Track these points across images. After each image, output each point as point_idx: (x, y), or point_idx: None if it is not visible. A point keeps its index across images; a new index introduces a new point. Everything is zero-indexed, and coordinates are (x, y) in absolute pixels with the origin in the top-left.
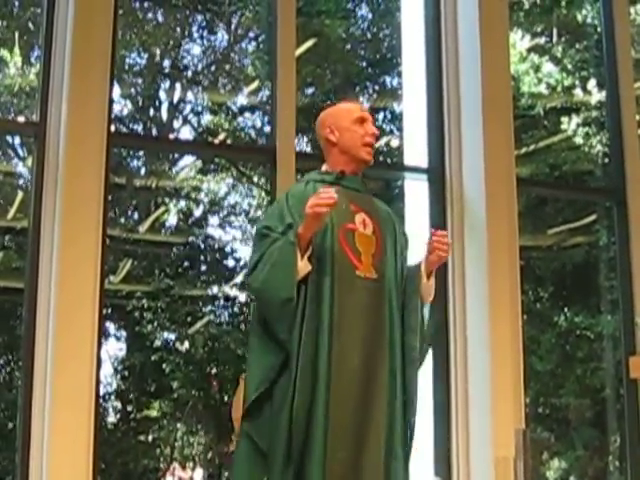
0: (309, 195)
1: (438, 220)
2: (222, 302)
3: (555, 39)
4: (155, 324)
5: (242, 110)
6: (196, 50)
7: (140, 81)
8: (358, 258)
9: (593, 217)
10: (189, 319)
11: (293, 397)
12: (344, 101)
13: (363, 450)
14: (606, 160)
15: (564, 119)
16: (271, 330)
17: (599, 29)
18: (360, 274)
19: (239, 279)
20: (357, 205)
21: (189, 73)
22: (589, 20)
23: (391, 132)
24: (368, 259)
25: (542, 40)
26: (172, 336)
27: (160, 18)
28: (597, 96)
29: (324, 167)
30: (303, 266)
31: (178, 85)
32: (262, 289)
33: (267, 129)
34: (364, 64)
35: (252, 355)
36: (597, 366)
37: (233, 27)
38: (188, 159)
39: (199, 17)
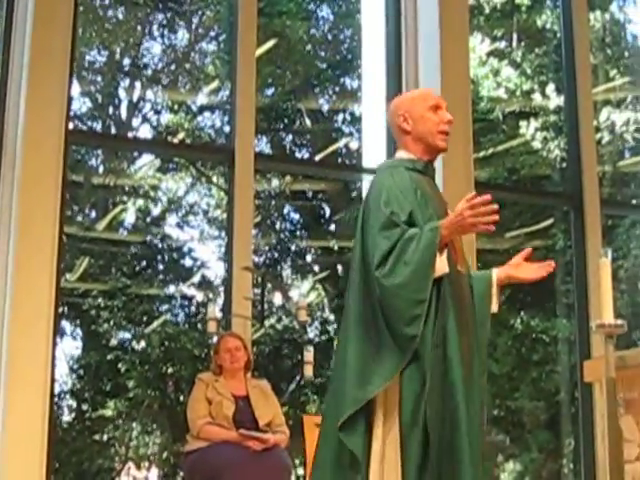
0: (411, 183)
1: None
2: (179, 301)
3: (515, 44)
4: (111, 323)
5: (202, 109)
6: (156, 49)
7: (100, 79)
8: (455, 252)
9: (550, 221)
10: (145, 318)
11: (423, 402)
12: (305, 100)
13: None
14: (564, 165)
15: (522, 123)
16: (395, 328)
17: (559, 34)
18: (459, 268)
19: (196, 279)
20: (440, 196)
21: (149, 71)
22: (549, 25)
23: (350, 134)
24: (460, 253)
25: (502, 44)
26: (128, 335)
27: (120, 16)
28: (555, 101)
29: (404, 154)
30: (442, 267)
31: (138, 83)
32: (397, 287)
33: (226, 129)
34: (324, 65)
35: (357, 346)
36: (552, 369)
37: (194, 26)
38: (147, 158)
39: (160, 16)
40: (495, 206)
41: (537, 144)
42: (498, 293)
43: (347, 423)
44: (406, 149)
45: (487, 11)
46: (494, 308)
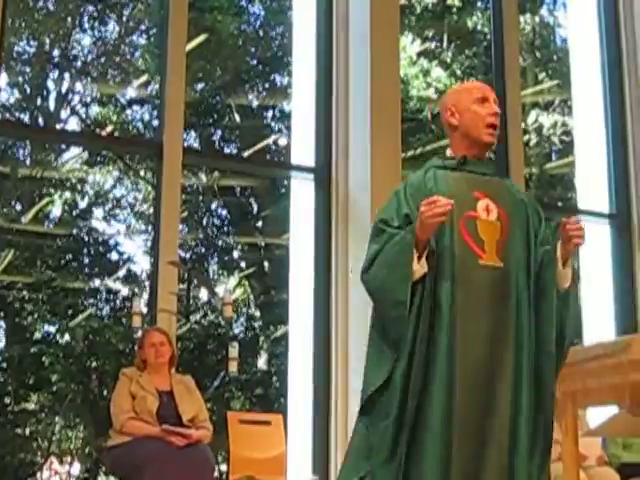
0: (428, 183)
1: (323, 218)
2: (104, 295)
3: (445, 44)
4: (35, 316)
5: (131, 103)
6: (86, 41)
7: (28, 70)
8: (481, 247)
9: None
10: (70, 312)
11: (405, 397)
12: (235, 96)
13: (485, 450)
14: None
15: None
16: (385, 329)
17: (489, 36)
18: (484, 263)
19: (122, 273)
20: (481, 191)
21: (78, 63)
22: (479, 27)
23: (279, 131)
24: (492, 247)
25: (432, 45)
26: (52, 329)
27: (51, 7)
28: None
29: (448, 152)
30: (419, 268)
31: (67, 75)
32: (377, 290)
33: (155, 123)
34: (255, 61)
35: (369, 350)
36: None
37: (124, 19)
38: (74, 150)
39: (90, 7)
40: (447, 202)
41: None
42: (564, 268)
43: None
44: (451, 146)
45: (418, 11)
46: (563, 284)
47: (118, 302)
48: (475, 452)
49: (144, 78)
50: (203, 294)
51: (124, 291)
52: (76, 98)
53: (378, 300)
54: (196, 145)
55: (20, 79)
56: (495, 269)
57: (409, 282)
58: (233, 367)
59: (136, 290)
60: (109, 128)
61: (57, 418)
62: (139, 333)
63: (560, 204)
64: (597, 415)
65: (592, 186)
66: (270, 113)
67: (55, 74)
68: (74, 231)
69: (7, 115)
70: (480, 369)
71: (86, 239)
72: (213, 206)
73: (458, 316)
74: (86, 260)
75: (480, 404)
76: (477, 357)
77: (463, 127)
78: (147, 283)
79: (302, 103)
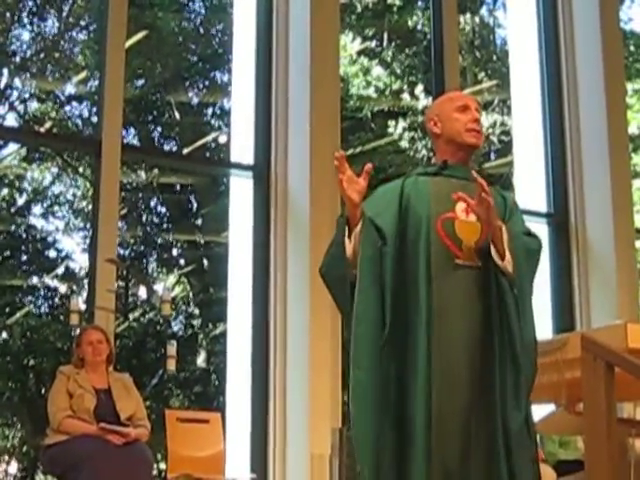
0: (405, 188)
1: (262, 217)
2: (42, 293)
3: (385, 43)
4: None
5: (70, 99)
6: (25, 36)
7: None
8: (458, 246)
9: None
10: (8, 309)
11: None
12: (174, 93)
13: (469, 450)
14: None
15: (391, 122)
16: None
17: (429, 36)
18: (461, 262)
19: (60, 270)
20: (461, 193)
21: (17, 59)
22: (419, 26)
23: (219, 128)
24: (471, 247)
25: (373, 44)
26: None
27: None
28: (424, 101)
29: (433, 160)
30: (349, 247)
31: (5, 70)
32: (322, 270)
33: (94, 119)
34: (195, 59)
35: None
36: None
37: (64, 15)
38: (12, 147)
39: (30, 2)
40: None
41: (405, 144)
42: (494, 244)
43: None
44: (436, 153)
45: (359, 10)
46: (501, 263)
47: (56, 300)
48: (459, 452)
49: (83, 74)
50: (142, 292)
51: (62, 289)
52: (14, 94)
53: (324, 280)
54: (135, 142)
55: None
56: (472, 268)
57: (343, 259)
58: (171, 365)
59: (74, 288)
60: (48, 124)
61: None
62: (77, 331)
63: None
64: (534, 413)
65: (530, 185)
66: (210, 110)
67: None
68: (12, 228)
69: None
70: (460, 368)
71: (24, 236)
72: (152, 203)
73: (435, 315)
74: (24, 257)
75: (462, 405)
76: (456, 356)
77: (446, 134)
78: (85, 281)
79: (242, 101)
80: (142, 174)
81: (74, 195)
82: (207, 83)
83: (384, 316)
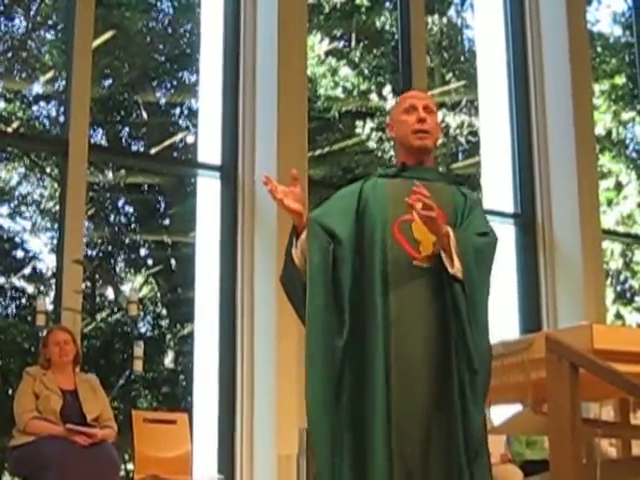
0: (364, 191)
1: (229, 217)
2: (9, 293)
3: (353, 44)
4: None
5: (37, 99)
6: None
7: None
8: (416, 248)
9: None
10: None
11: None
12: (142, 93)
13: (429, 450)
14: None
15: (359, 123)
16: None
17: (396, 36)
18: (418, 264)
19: (27, 270)
20: (412, 200)
21: None
22: (387, 27)
23: (187, 128)
24: (429, 248)
25: (340, 44)
26: None
27: None
28: (392, 102)
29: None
30: (296, 253)
31: None
32: (281, 279)
33: (62, 119)
34: (162, 58)
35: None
36: None
37: (32, 14)
38: None
39: None
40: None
41: (372, 144)
42: (447, 252)
43: None
44: (397, 157)
45: (327, 10)
46: (451, 270)
47: (23, 300)
48: (420, 451)
49: (51, 74)
50: (109, 292)
51: (29, 289)
52: None
53: (287, 294)
54: (103, 142)
55: None
56: (429, 270)
57: (288, 262)
58: (138, 366)
59: (41, 288)
60: (15, 124)
61: None
62: (44, 332)
63: None
64: (501, 413)
65: (497, 186)
66: (177, 110)
67: None
68: None
69: None
70: (418, 368)
71: None
72: (120, 204)
73: (393, 317)
74: None
75: (421, 403)
76: (414, 356)
77: (398, 138)
78: (52, 281)
79: (209, 101)
80: (109, 174)
81: (41, 195)
82: (175, 83)
83: (339, 319)
